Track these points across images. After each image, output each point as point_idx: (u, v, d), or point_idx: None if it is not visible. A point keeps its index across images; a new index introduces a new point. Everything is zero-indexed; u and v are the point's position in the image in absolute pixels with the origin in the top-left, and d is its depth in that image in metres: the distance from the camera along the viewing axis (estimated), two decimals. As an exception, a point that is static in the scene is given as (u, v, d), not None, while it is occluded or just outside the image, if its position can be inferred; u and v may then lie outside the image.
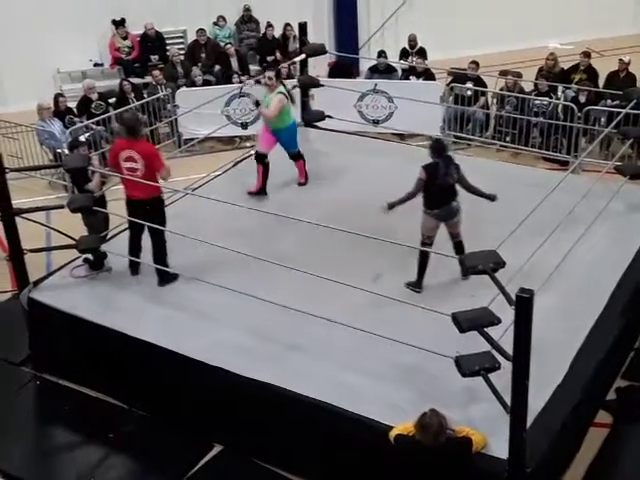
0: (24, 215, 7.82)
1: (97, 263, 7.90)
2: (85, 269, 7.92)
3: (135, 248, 7.75)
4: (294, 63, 11.51)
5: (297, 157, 9.48)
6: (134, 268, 7.84)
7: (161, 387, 7.10)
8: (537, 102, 12.20)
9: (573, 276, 7.20)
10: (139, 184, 7.28)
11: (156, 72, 13.57)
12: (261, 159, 9.21)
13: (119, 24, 14.83)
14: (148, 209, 7.37)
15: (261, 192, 9.18)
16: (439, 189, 7.25)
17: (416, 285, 7.41)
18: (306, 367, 6.53)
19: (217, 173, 9.41)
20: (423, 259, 7.34)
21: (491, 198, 7.59)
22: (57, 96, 12.79)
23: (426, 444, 5.38)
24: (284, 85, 9.10)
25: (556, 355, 6.42)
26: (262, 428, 6.63)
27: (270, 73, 9.00)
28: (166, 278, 7.64)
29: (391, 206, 7.26)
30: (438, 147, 7.41)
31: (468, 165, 8.78)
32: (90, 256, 7.89)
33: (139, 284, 7.71)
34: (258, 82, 9.53)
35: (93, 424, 7.19)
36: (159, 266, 7.56)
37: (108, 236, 8.27)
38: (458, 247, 7.55)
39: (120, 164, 7.38)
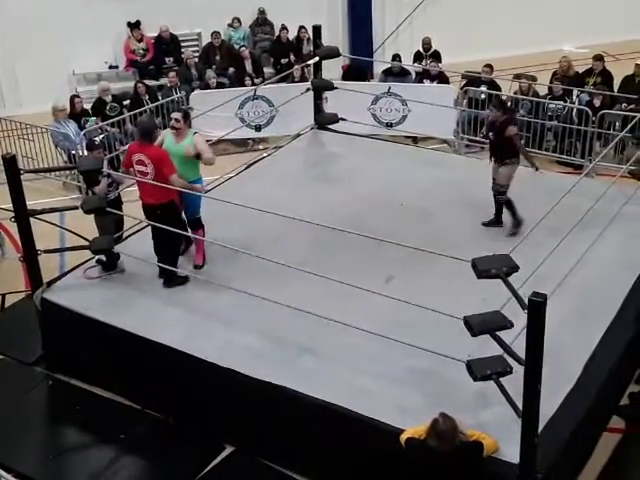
0: (38, 216, 7.86)
1: (110, 264, 7.93)
2: (98, 270, 7.95)
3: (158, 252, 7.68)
4: (308, 66, 11.52)
5: (196, 225, 7.83)
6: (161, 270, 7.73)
7: (173, 388, 7.10)
8: (551, 106, 12.14)
9: (587, 279, 7.17)
10: (150, 189, 7.31)
11: (170, 74, 13.61)
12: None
13: (134, 26, 14.89)
14: (159, 214, 7.37)
15: (204, 264, 7.90)
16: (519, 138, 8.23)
17: (518, 226, 8.07)
18: (318, 370, 6.52)
19: (230, 175, 9.42)
20: (510, 204, 8.15)
21: None
22: (72, 97, 12.86)
23: (439, 449, 5.36)
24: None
25: (569, 359, 6.40)
26: (273, 430, 6.63)
27: (177, 115, 7.59)
28: (172, 281, 7.63)
29: (536, 167, 8.39)
30: (504, 103, 8.37)
31: (481, 168, 8.82)
32: (103, 257, 7.92)
33: (152, 285, 7.71)
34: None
35: (105, 424, 7.21)
36: (166, 267, 7.54)
37: (121, 237, 8.29)
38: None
39: (133, 167, 7.41)
